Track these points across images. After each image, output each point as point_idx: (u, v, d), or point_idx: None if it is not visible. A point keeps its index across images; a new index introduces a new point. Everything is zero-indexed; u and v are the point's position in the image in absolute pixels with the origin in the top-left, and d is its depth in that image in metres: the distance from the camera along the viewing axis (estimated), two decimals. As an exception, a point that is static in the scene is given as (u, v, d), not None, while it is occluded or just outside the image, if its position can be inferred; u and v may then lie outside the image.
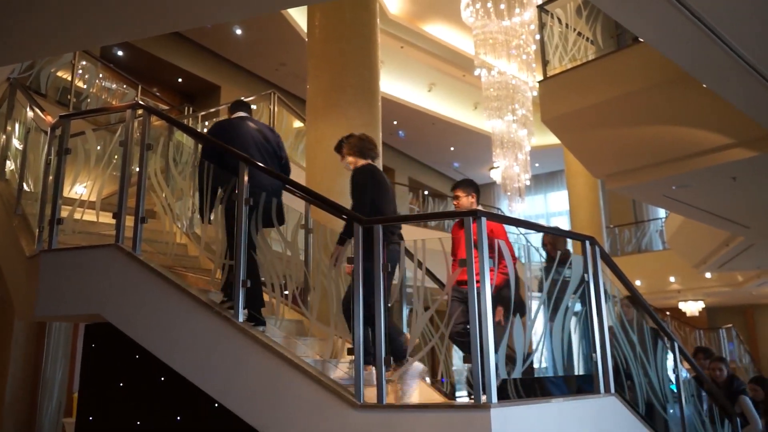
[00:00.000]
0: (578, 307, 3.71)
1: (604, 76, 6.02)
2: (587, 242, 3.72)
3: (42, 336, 8.04)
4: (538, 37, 12.27)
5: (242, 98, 4.58)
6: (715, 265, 12.50)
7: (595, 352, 3.57)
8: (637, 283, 15.54)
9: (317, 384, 3.10)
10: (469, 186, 4.62)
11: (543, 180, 20.48)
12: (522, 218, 3.93)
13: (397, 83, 15.53)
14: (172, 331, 3.57)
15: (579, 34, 6.89)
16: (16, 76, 6.61)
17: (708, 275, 14.87)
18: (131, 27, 3.80)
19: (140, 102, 3.96)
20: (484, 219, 3.08)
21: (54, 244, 3.96)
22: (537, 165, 18.02)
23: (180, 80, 13.46)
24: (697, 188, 6.57)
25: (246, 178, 3.66)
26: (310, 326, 4.10)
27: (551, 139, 17.61)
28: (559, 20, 6.81)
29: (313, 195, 4.02)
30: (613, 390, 3.58)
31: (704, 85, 4.90)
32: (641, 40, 5.05)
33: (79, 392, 4.09)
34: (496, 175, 18.16)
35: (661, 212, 19.74)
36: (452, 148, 18.60)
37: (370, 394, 3.10)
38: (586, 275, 3.67)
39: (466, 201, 4.52)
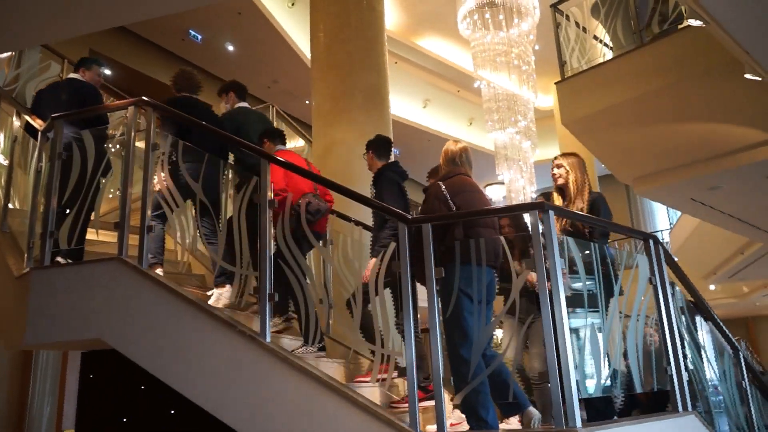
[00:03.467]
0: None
1: (629, 72, 5.70)
2: (651, 241, 3.33)
3: (28, 368, 7.44)
4: (537, 47, 12.21)
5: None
6: (726, 275, 12.21)
7: (669, 364, 3.15)
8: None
9: (364, 412, 2.63)
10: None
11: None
12: (584, 213, 3.52)
13: (391, 99, 15.20)
14: (186, 355, 3.08)
15: (595, 37, 6.62)
16: (2, 86, 6.16)
17: (712, 287, 14.62)
18: (87, 20, 3.78)
19: (145, 98, 3.53)
20: (551, 213, 2.68)
21: (46, 261, 3.47)
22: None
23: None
24: (728, 189, 6.23)
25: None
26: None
27: (548, 154, 17.45)
28: (577, 23, 6.52)
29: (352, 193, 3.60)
30: (690, 407, 3.16)
31: (748, 77, 4.57)
32: (692, 24, 4.72)
33: (76, 429, 3.58)
34: (493, 193, 17.86)
35: (660, 225, 19.55)
36: (448, 165, 18.26)
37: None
38: (652, 278, 3.27)
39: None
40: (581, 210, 3.61)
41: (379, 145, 4.44)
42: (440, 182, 3.35)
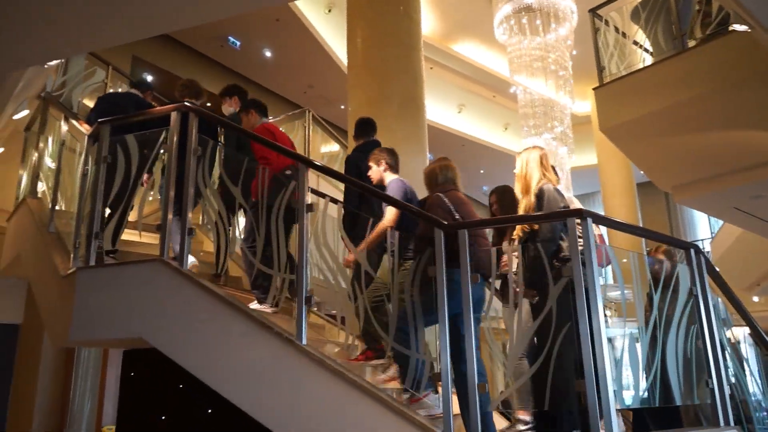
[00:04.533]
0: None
1: (669, 78, 5.58)
2: (692, 251, 3.26)
3: (70, 365, 7.66)
4: (575, 52, 12.08)
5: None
6: (770, 286, 11.83)
7: (710, 377, 3.08)
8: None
9: (399, 417, 2.64)
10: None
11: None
12: (626, 222, 3.48)
13: (426, 104, 15.23)
14: (223, 355, 3.15)
15: (635, 42, 6.52)
16: (51, 91, 6.37)
17: (756, 299, 14.16)
18: (130, 29, 3.84)
19: (187, 103, 3.62)
20: (590, 220, 2.65)
21: (92, 260, 3.59)
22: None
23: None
24: (773, 199, 6.05)
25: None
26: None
27: (585, 160, 17.21)
28: (616, 28, 6.43)
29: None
30: (732, 422, 3.08)
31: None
32: (736, 29, 4.62)
33: (117, 427, 3.68)
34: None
35: (701, 234, 19.06)
36: (482, 171, 18.19)
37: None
38: (694, 288, 3.20)
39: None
40: (530, 206, 3.44)
41: (356, 127, 4.55)
42: (440, 194, 3.40)
